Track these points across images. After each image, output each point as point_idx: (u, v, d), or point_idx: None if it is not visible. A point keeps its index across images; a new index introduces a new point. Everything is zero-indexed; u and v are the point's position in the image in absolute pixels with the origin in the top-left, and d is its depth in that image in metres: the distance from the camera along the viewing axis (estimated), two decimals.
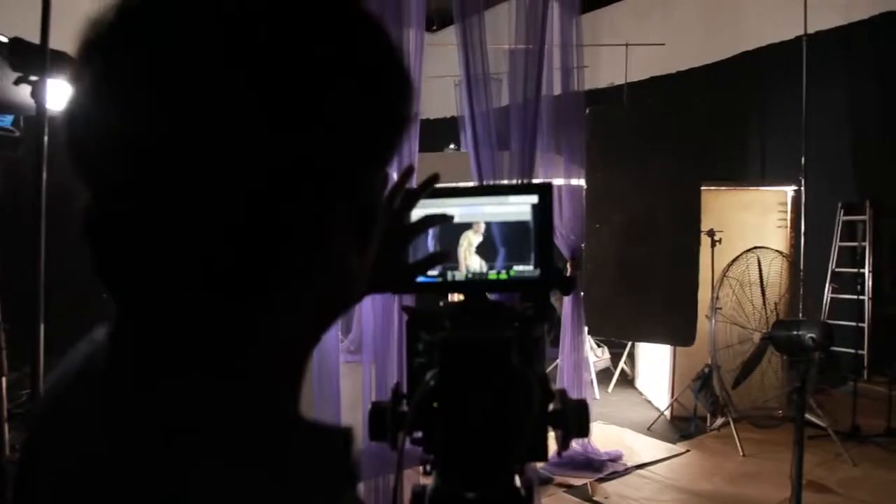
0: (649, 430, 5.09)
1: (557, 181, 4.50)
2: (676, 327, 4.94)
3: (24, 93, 2.64)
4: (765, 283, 4.14)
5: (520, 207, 0.91)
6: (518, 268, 0.91)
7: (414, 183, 0.90)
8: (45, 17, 2.02)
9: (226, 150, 0.39)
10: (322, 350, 3.74)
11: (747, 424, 4.70)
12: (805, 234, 5.55)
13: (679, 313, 4.92)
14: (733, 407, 4.72)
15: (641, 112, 5.86)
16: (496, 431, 0.76)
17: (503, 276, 0.92)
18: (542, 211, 0.90)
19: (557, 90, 4.61)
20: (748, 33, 7.59)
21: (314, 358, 4.11)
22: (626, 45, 8.28)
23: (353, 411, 3.64)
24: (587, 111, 5.89)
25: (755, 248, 4.26)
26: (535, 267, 0.90)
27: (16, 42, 2.26)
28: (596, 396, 6.04)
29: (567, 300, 4.56)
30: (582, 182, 4.94)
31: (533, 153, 3.18)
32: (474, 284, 0.93)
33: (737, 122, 7.69)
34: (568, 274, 4.46)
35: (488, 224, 0.92)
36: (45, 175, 1.99)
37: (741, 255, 4.27)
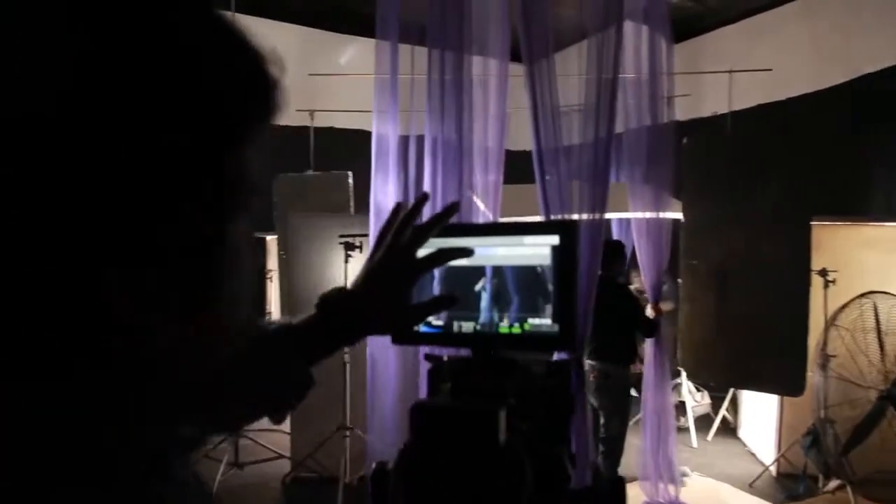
0: (751, 487, 4.63)
1: (648, 214, 4.24)
2: (783, 375, 4.50)
3: None
4: (883, 332, 3.66)
5: (537, 250, 0.77)
6: (534, 321, 0.77)
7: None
8: None
9: None
10: (376, 384, 3.65)
11: (869, 490, 4.17)
12: None
13: (786, 360, 4.49)
14: (851, 470, 4.20)
15: (744, 141, 5.49)
16: None
17: (516, 329, 0.78)
18: (565, 254, 0.75)
19: (648, 120, 4.37)
20: (867, 54, 7.00)
21: (369, 389, 4.03)
22: (730, 71, 7.88)
23: None
24: (684, 141, 5.60)
25: (870, 292, 3.79)
26: (554, 321, 0.76)
27: None
28: (693, 445, 5.61)
29: (649, 341, 4.24)
30: (670, 215, 4.64)
31: (605, 186, 2.99)
32: (482, 338, 0.79)
33: (856, 151, 7.07)
34: (651, 315, 4.16)
35: (501, 268, 0.79)
36: None
37: (853, 300, 3.82)
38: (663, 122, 4.25)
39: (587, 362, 3.95)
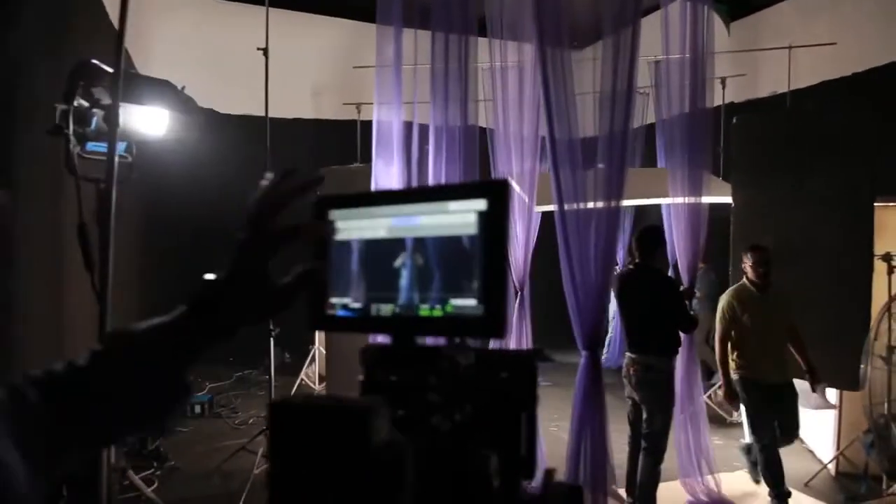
0: (807, 487, 4.35)
1: (689, 200, 4.01)
2: (841, 367, 4.21)
3: (134, 120, 2.75)
4: None
5: (462, 217, 0.65)
6: (457, 302, 0.65)
7: None
8: (119, 45, 2.04)
9: None
10: None
11: None
12: None
13: (844, 351, 4.19)
14: None
15: (799, 120, 5.15)
16: None
17: (437, 312, 0.66)
18: (493, 221, 0.64)
19: (689, 103, 4.14)
20: None
21: None
22: (790, 47, 7.47)
23: None
24: (734, 120, 5.30)
25: None
26: (480, 301, 0.64)
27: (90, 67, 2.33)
28: (745, 439, 5.33)
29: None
30: (717, 199, 4.40)
31: (622, 172, 2.83)
32: (400, 322, 0.68)
33: None
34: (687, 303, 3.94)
35: (423, 240, 0.67)
36: (114, 195, 2.00)
37: None
38: (704, 104, 4.00)
39: (627, 355, 3.77)
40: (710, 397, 5.64)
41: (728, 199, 4.95)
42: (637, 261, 3.72)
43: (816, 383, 3.99)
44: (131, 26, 2.26)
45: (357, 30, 8.52)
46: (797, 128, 4.93)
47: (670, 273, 4.36)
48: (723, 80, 7.78)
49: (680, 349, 4.01)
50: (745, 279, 4.13)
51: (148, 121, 2.75)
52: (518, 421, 0.75)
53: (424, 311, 0.67)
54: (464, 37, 2.98)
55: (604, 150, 2.86)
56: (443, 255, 0.66)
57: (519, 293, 4.09)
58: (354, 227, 0.72)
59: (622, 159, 2.83)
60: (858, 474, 4.25)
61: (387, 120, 3.22)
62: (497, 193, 0.64)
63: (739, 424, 5.48)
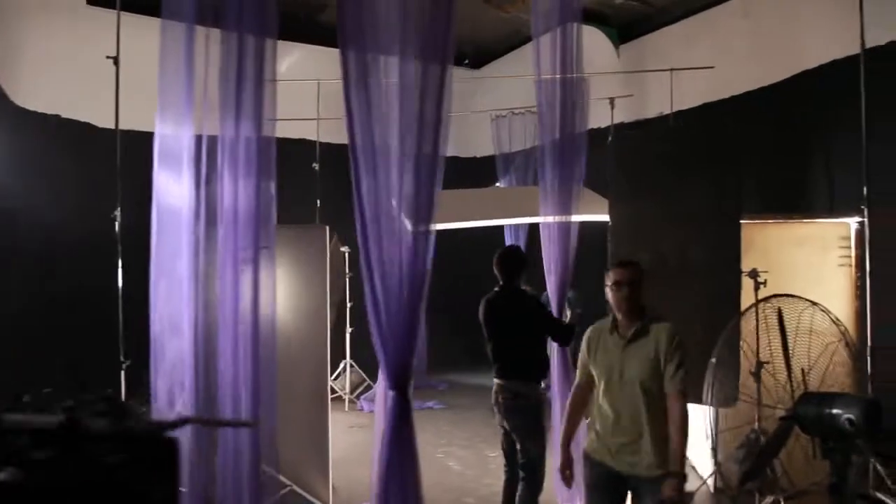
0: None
1: (560, 218, 3.96)
2: (717, 386, 4.22)
3: None
4: (790, 343, 3.36)
5: None
6: None
7: None
8: None
9: None
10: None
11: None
12: (872, 273, 4.65)
13: (719, 369, 4.21)
14: (790, 482, 3.95)
15: (671, 140, 5.25)
16: None
17: None
18: None
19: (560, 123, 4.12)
20: (806, 51, 6.88)
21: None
22: (671, 70, 7.72)
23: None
24: (609, 139, 5.35)
25: (775, 296, 3.48)
26: None
27: None
28: None
29: (556, 350, 3.93)
30: (592, 217, 4.38)
31: (431, 193, 2.71)
32: None
33: (794, 147, 6.94)
34: (567, 320, 3.85)
35: None
36: None
37: (754, 305, 3.50)
38: (574, 124, 3.98)
39: (495, 382, 3.61)
40: None
41: (604, 217, 4.96)
42: (501, 283, 3.60)
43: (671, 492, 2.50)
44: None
45: (250, 42, 8.19)
46: (669, 147, 5.01)
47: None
48: (611, 101, 7.96)
49: (558, 365, 3.93)
50: None
51: None
52: None
53: None
54: (260, 39, 2.77)
55: (414, 172, 2.71)
56: None
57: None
58: None
59: (431, 181, 2.69)
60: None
61: (172, 133, 2.93)
62: None
63: None
